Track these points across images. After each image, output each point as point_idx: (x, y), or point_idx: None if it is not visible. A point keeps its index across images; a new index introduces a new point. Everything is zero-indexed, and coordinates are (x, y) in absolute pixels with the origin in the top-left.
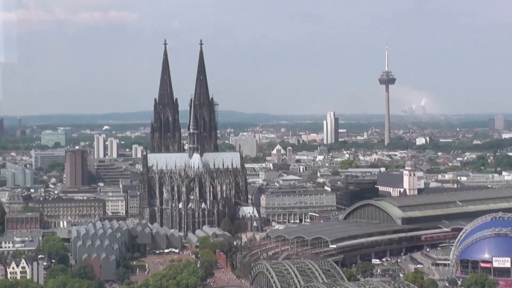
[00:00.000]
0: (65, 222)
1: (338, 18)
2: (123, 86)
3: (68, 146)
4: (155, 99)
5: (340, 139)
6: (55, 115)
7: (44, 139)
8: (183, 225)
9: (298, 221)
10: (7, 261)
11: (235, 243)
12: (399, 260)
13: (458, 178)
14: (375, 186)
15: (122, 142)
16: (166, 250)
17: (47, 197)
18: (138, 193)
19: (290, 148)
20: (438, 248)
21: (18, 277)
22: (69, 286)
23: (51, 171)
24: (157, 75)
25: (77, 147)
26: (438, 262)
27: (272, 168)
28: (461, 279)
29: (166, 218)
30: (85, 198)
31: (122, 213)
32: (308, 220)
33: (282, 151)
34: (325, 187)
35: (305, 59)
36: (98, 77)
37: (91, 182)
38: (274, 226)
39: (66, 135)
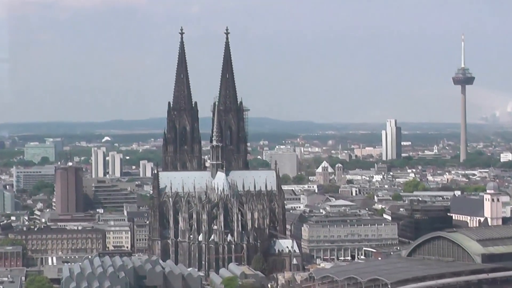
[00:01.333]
0: (54, 259)
1: (398, 4)
2: (128, 87)
3: (59, 162)
4: (169, 103)
5: (403, 154)
6: (42, 122)
7: (28, 153)
8: (203, 262)
9: (349, 258)
10: None
11: (269, 285)
12: None
13: None
14: (448, 214)
15: (127, 158)
16: None
17: (32, 227)
18: (147, 222)
19: (340, 165)
20: None
21: None
22: None
23: (37, 194)
24: (171, 73)
25: (70, 164)
26: None
27: (316, 191)
28: None
29: (182, 253)
30: (80, 228)
31: (127, 247)
32: (362, 257)
33: (330, 169)
34: (384, 215)
35: (358, 55)
36: (96, 76)
37: (87, 207)
38: (319, 265)
39: (56, 148)
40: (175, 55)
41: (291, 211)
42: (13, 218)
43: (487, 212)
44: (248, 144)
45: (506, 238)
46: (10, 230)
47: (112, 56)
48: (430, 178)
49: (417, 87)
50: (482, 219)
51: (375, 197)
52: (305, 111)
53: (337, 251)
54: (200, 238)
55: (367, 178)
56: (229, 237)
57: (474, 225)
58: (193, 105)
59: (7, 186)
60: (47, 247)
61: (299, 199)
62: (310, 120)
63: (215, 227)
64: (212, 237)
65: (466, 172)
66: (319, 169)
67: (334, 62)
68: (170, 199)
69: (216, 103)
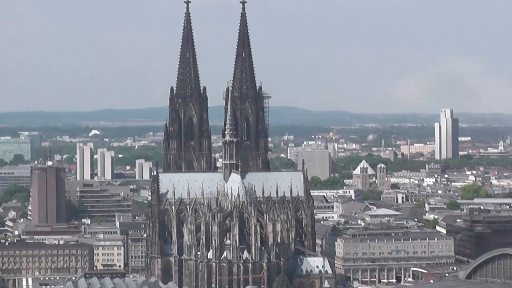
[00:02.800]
0: (30, 280)
1: None
2: (122, 69)
3: (36, 162)
4: (172, 89)
5: (460, 153)
6: (16, 112)
7: None
8: (214, 285)
9: (394, 280)
10: None
11: None
12: None
13: None
14: None
15: (120, 156)
16: None
17: (3, 241)
18: (144, 235)
19: (383, 166)
20: None
21: None
22: None
23: (8, 200)
24: (175, 51)
25: (49, 163)
26: None
27: (353, 197)
28: None
29: (187, 274)
30: (61, 242)
31: (120, 266)
32: (410, 279)
33: (370, 171)
34: (438, 228)
35: (403, 32)
36: (84, 56)
37: (71, 217)
38: None
39: (33, 144)
40: (180, 30)
41: (322, 222)
42: None
43: None
44: (269, 139)
45: None
46: None
47: (102, 30)
48: (494, 182)
49: (478, 71)
50: None
51: (426, 205)
52: (340, 99)
53: (379, 272)
54: (210, 255)
55: (416, 182)
56: (245, 254)
57: None
58: (202, 91)
59: None
60: (21, 266)
61: (332, 207)
62: (346, 110)
63: (228, 241)
64: (225, 254)
65: None
66: (357, 171)
67: (375, 39)
68: (173, 207)
69: (230, 89)
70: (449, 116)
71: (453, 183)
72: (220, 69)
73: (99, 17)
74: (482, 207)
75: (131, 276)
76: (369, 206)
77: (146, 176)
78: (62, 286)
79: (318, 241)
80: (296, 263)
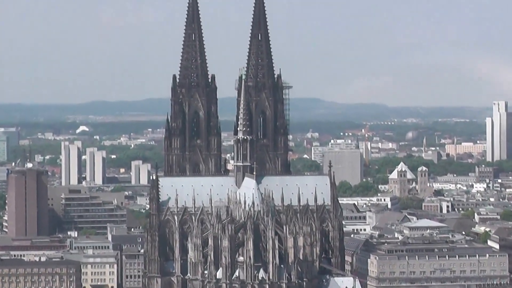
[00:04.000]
0: None
1: None
2: (116, 54)
3: (13, 163)
4: (174, 77)
5: None
6: None
7: None
8: None
9: None
10: None
11: None
12: None
13: None
14: None
15: (113, 157)
16: None
17: None
18: (142, 251)
19: (424, 169)
20: None
21: None
22: None
23: None
24: (178, 32)
25: (29, 165)
26: None
27: (390, 206)
28: None
29: None
30: (43, 259)
31: (112, 287)
32: None
33: (409, 175)
34: (490, 242)
35: (452, 10)
36: (70, 37)
37: (54, 229)
38: None
39: (10, 143)
40: (184, 7)
41: (352, 235)
42: None
43: None
44: (290, 137)
45: None
46: None
47: (92, 7)
48: None
49: None
50: None
51: (476, 215)
52: (374, 89)
53: None
54: (219, 274)
55: (464, 188)
56: (261, 274)
57: None
58: (210, 80)
59: None
60: None
61: (365, 217)
62: (381, 103)
63: (241, 258)
64: (237, 273)
65: None
66: (394, 174)
67: (416, 19)
68: (176, 217)
69: (243, 77)
70: (504, 110)
71: (507, 190)
72: (231, 54)
73: None
74: None
75: None
76: (408, 216)
77: (144, 180)
78: None
79: (347, 258)
80: (322, 284)
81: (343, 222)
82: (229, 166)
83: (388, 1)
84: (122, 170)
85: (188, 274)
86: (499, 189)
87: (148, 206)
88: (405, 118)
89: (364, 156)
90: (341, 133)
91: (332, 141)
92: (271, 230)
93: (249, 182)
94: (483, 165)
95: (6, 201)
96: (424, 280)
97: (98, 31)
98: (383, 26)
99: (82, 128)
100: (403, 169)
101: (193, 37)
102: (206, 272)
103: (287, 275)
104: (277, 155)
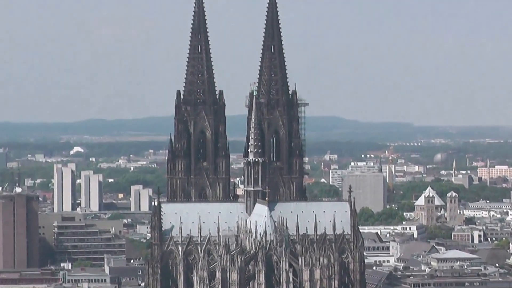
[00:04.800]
0: None
1: None
2: (113, 68)
3: (1, 188)
4: (178, 93)
5: None
6: None
7: None
8: None
9: None
10: None
11: None
12: None
13: None
14: None
15: (111, 181)
16: None
17: None
18: (143, 284)
19: (454, 194)
20: None
21: None
22: None
23: None
24: (183, 44)
25: (18, 190)
26: None
27: (416, 236)
28: None
29: None
30: None
31: None
32: None
33: (438, 201)
34: None
35: (482, 22)
36: (62, 49)
37: (46, 261)
38: None
39: None
40: (189, 16)
41: (374, 268)
42: None
43: None
44: (306, 159)
45: None
46: None
47: (89, 19)
48: None
49: None
50: None
51: (511, 246)
52: (399, 106)
53: None
54: None
55: (498, 216)
56: None
57: None
58: (217, 97)
59: None
60: None
61: (388, 248)
62: (407, 122)
63: None
64: None
65: None
66: (421, 201)
67: (447, 30)
68: (180, 247)
69: (255, 94)
70: None
71: None
72: (241, 68)
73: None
74: None
75: None
76: (436, 247)
77: (145, 207)
78: None
79: None
80: None
81: (365, 253)
82: (239, 191)
83: (409, 14)
84: (120, 195)
85: None
86: None
87: (149, 235)
88: (433, 138)
89: (387, 181)
90: (363, 155)
91: (352, 163)
92: (285, 262)
93: (260, 209)
94: None
95: None
96: None
97: (94, 43)
98: (408, 38)
99: (77, 149)
100: (431, 195)
101: (199, 49)
102: None
103: None
104: (292, 179)
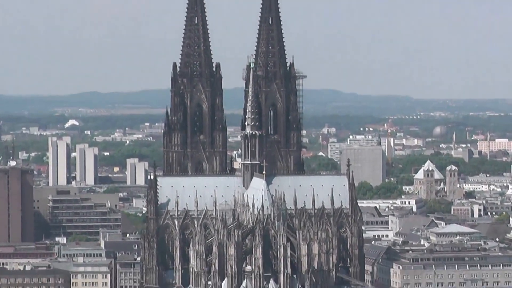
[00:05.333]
0: None
1: None
2: (109, 39)
3: None
4: (174, 66)
5: None
6: None
7: None
8: None
9: None
10: None
11: None
12: None
13: None
14: None
15: (106, 154)
16: None
17: None
18: (138, 259)
19: (453, 168)
20: None
21: None
22: None
23: None
24: (179, 16)
25: (12, 163)
26: None
27: (415, 210)
28: None
29: None
30: (28, 268)
31: None
32: None
33: (437, 175)
34: None
35: None
36: (56, 19)
37: (40, 235)
38: None
39: None
40: None
41: (373, 242)
42: None
43: None
44: (304, 132)
45: None
46: None
47: None
48: None
49: None
50: None
51: (511, 220)
52: (398, 79)
53: None
54: (225, 285)
55: (498, 190)
56: (271, 285)
57: None
58: (214, 69)
59: None
60: None
61: (387, 222)
62: (406, 95)
63: (249, 267)
64: (244, 284)
65: None
66: (420, 174)
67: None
68: (176, 221)
69: (252, 66)
70: None
71: None
72: (238, 40)
73: None
74: None
75: None
76: (436, 221)
77: (141, 181)
78: None
79: (367, 268)
80: None
81: (363, 228)
82: (236, 165)
83: None
84: (116, 169)
85: (190, 285)
86: None
87: (145, 209)
88: (433, 111)
89: (386, 154)
90: (361, 128)
91: (350, 137)
92: (283, 236)
93: (258, 183)
94: None
95: None
96: None
97: (90, 16)
98: (408, 9)
99: (72, 122)
100: (430, 169)
101: (196, 21)
102: (209, 282)
103: (300, 286)
104: (289, 152)
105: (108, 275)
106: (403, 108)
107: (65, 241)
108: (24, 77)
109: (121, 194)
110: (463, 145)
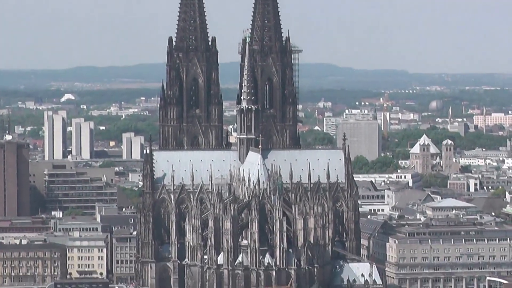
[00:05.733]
0: None
1: None
2: (104, 13)
3: None
4: (170, 40)
5: None
6: None
7: None
8: None
9: None
10: None
11: None
12: None
13: None
14: None
15: (102, 128)
16: None
17: None
18: (134, 233)
19: (449, 142)
20: None
21: None
22: None
23: None
24: None
25: (8, 137)
26: None
27: (411, 184)
28: None
29: (191, 284)
30: (24, 242)
31: (101, 273)
32: None
33: (433, 149)
34: None
35: None
36: None
37: (36, 209)
38: None
39: None
40: None
41: (369, 216)
42: None
43: None
44: (300, 106)
45: None
46: None
47: None
48: None
49: None
50: None
51: (507, 194)
52: (394, 54)
53: (444, 283)
54: (221, 259)
55: (494, 164)
56: (267, 259)
57: None
58: (210, 43)
59: None
60: None
61: (383, 197)
62: (402, 69)
63: (245, 242)
64: (240, 258)
65: None
66: (416, 149)
67: None
68: (172, 196)
69: (248, 40)
70: None
71: None
72: (234, 14)
73: None
74: None
75: (117, 287)
76: (432, 195)
77: (137, 155)
78: None
79: (363, 242)
80: (335, 270)
81: (359, 202)
82: (232, 139)
83: None
84: (112, 143)
85: (186, 259)
86: None
87: (141, 183)
88: (429, 85)
89: (382, 128)
90: (357, 103)
91: (346, 111)
92: (278, 211)
93: (254, 157)
94: None
95: None
96: (449, 266)
97: None
98: None
99: (67, 96)
100: (426, 143)
101: None
102: (205, 257)
103: (296, 260)
104: (285, 126)
105: (104, 249)
106: (399, 83)
107: (61, 215)
108: (20, 51)
109: (117, 169)
110: (459, 120)
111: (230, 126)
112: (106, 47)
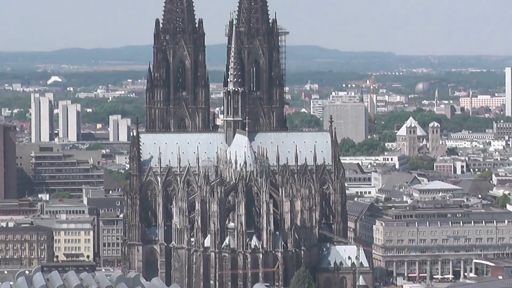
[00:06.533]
0: None
1: None
2: None
3: None
4: (157, 22)
5: None
6: None
7: None
8: (212, 282)
9: (451, 276)
10: None
11: None
12: None
13: None
14: None
15: (89, 110)
16: None
17: None
18: (121, 216)
19: (436, 124)
20: None
21: None
22: None
23: None
24: None
25: None
26: None
27: (397, 167)
28: None
29: (177, 267)
30: (11, 225)
31: (88, 256)
32: (472, 274)
33: (419, 131)
34: (509, 207)
35: None
36: None
37: (23, 192)
38: (401, 286)
39: None
40: None
41: (356, 199)
42: None
43: None
44: (287, 89)
45: None
46: None
47: None
48: None
49: None
50: None
51: (494, 177)
52: (380, 36)
53: (431, 265)
54: (207, 242)
55: (481, 146)
56: (254, 241)
57: None
58: (197, 25)
59: None
60: None
61: (369, 179)
62: (389, 51)
63: (232, 224)
64: (227, 241)
65: None
66: (402, 131)
67: None
68: (159, 178)
69: (235, 22)
70: None
71: None
72: None
73: None
74: None
75: (103, 270)
76: (418, 178)
77: (124, 137)
78: (11, 283)
79: (350, 224)
80: (322, 253)
81: (346, 184)
82: (218, 121)
83: None
84: (98, 125)
85: (173, 242)
86: None
87: (128, 166)
88: (415, 67)
89: (369, 110)
90: (344, 85)
91: (333, 93)
92: (265, 193)
93: (240, 139)
94: (501, 121)
95: None
96: (436, 248)
97: None
98: None
99: (54, 78)
100: (413, 125)
101: None
102: (192, 239)
103: (282, 243)
104: (272, 109)
105: (91, 232)
106: (386, 65)
107: (48, 198)
108: (6, 33)
109: (103, 151)
110: (446, 102)
111: (217, 108)
112: (93, 29)
